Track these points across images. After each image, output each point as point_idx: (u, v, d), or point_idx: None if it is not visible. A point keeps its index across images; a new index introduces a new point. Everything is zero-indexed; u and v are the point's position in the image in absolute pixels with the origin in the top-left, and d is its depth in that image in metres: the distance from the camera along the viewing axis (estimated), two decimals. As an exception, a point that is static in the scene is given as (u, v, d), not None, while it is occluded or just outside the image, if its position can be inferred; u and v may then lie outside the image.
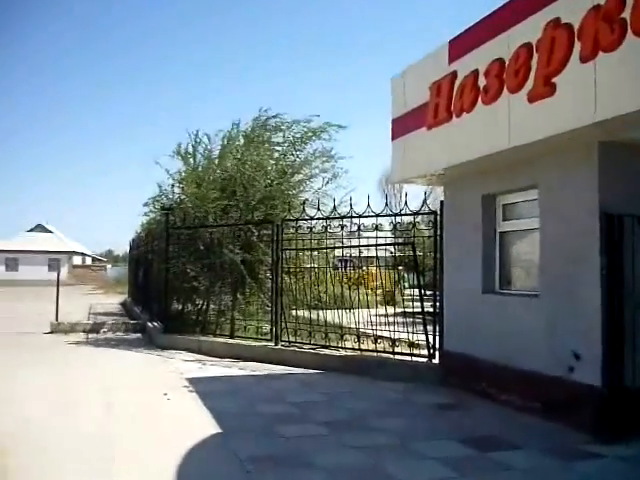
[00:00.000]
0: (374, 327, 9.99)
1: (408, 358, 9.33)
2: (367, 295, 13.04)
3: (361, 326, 10.26)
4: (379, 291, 16.07)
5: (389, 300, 13.20)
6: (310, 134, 13.67)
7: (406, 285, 14.85)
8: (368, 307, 12.49)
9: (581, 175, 6.42)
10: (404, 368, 9.08)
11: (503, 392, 7.38)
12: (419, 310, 9.50)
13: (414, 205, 9.61)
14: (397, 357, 9.46)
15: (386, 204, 9.72)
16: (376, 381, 8.85)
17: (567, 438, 6.07)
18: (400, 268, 13.99)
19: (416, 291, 9.96)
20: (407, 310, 10.33)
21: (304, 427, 6.49)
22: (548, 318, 6.81)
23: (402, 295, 12.48)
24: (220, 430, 6.32)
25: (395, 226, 9.84)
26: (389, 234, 10.09)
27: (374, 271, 11.67)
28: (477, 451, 5.69)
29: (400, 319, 10.05)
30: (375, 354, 9.79)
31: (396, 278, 12.67)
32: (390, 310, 10.31)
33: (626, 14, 5.09)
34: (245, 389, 8.49)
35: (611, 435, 5.94)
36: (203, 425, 6.49)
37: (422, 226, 11.91)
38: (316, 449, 5.72)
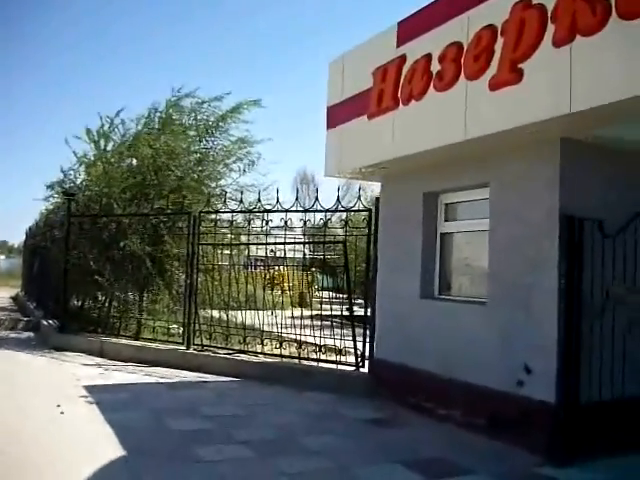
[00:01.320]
0: (298, 331, 9.22)
1: (335, 366, 8.62)
2: (282, 296, 12.26)
3: (282, 329, 9.45)
4: (292, 292, 15.38)
5: (302, 302, 12.57)
6: (227, 114, 12.72)
7: (324, 286, 14.19)
8: (282, 309, 11.72)
9: (541, 174, 5.92)
10: (331, 377, 8.37)
11: (442, 406, 6.79)
12: (338, 313, 8.89)
13: (326, 202, 8.94)
14: (323, 365, 8.73)
15: (316, 199, 8.95)
16: (301, 391, 8.07)
17: (518, 460, 5.53)
18: (313, 269, 13.37)
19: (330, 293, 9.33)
20: (327, 313, 9.63)
21: (224, 448, 5.61)
22: (497, 327, 6.28)
23: (318, 298, 11.84)
24: (123, 452, 5.34)
25: (326, 223, 9.09)
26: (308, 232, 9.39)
27: (291, 271, 10.89)
28: (425, 478, 5.02)
29: (320, 323, 9.32)
30: (298, 361, 9.02)
31: (310, 279, 12.00)
32: (307, 312, 9.62)
33: (611, -6, 4.57)
34: (153, 399, 7.48)
35: (565, 456, 5.44)
36: (102, 445, 5.50)
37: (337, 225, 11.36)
38: (242, 478, 4.88)
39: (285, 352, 9.24)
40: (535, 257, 5.93)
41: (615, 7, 4.54)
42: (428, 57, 6.49)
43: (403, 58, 6.89)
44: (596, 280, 5.66)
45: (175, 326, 10.99)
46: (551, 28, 5.06)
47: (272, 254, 9.81)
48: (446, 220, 7.55)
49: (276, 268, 11.55)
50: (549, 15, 5.09)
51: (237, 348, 9.68)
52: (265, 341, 9.62)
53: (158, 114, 13.13)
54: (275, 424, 6.51)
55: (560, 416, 5.50)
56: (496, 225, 6.45)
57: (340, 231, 10.23)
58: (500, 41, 5.56)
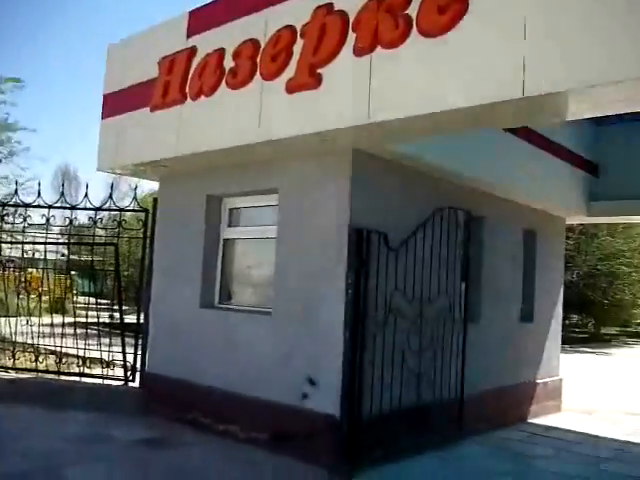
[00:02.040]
0: (57, 341, 8.17)
1: (101, 381, 7.78)
2: (39, 302, 10.93)
3: (39, 340, 8.32)
4: (50, 297, 13.88)
5: (61, 308, 11.37)
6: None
7: (85, 291, 13.01)
8: (40, 316, 10.42)
9: (332, 184, 5.86)
10: (97, 394, 7.51)
11: (222, 422, 6.42)
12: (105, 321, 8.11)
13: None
14: (87, 380, 7.83)
15: (86, 195, 8.03)
16: (62, 411, 7.10)
17: (301, 475, 5.38)
18: (73, 273, 12.19)
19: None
20: (93, 321, 8.71)
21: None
22: (282, 338, 6.09)
23: (82, 303, 10.75)
24: None
25: (95, 222, 8.18)
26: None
27: (51, 274, 9.71)
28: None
29: (85, 331, 8.37)
30: (58, 376, 7.99)
31: (69, 283, 10.89)
32: (69, 319, 8.63)
33: (412, 10, 4.61)
34: None
35: (350, 469, 5.40)
36: None
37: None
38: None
39: (42, 366, 8.14)
40: (322, 268, 5.85)
41: (416, 23, 4.59)
42: (221, 52, 6.10)
43: (193, 50, 6.42)
44: (380, 292, 5.73)
45: None
46: (353, 36, 5.00)
47: (29, 255, 8.63)
48: (230, 225, 7.22)
49: (32, 271, 10.20)
50: (351, 23, 5.02)
51: (-21, 363, 8.32)
52: (18, 354, 8.39)
53: None
54: (37, 452, 5.58)
55: (344, 429, 5.45)
56: (283, 233, 6.28)
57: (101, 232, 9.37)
58: (300, 43, 5.37)
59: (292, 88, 5.41)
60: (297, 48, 5.39)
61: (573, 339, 21.78)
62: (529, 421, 8.18)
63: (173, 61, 6.63)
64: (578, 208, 9.11)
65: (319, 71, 5.21)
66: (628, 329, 30.01)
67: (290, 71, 5.43)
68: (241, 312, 6.73)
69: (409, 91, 4.66)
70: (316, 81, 5.22)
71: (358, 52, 4.95)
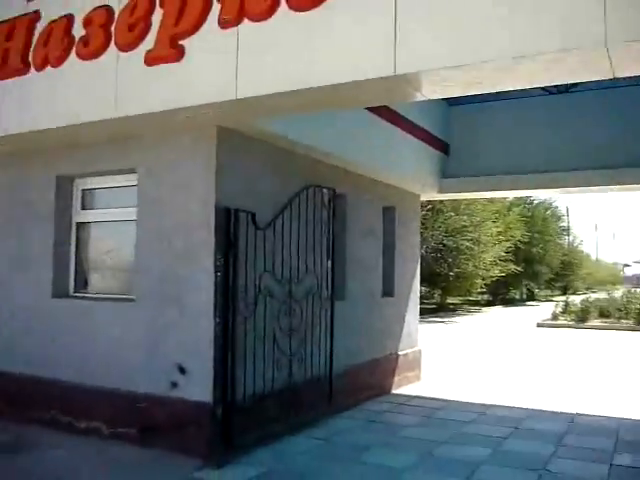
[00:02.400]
0: None
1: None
2: None
3: None
4: None
5: None
6: None
7: None
8: None
9: (196, 162, 5.60)
10: None
11: (84, 419, 6.00)
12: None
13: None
14: None
15: None
16: None
17: (174, 467, 5.15)
18: None
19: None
20: None
21: None
22: (146, 326, 5.78)
23: None
24: None
25: None
26: None
27: None
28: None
29: None
30: None
31: None
32: None
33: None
34: None
35: (224, 456, 5.26)
36: None
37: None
38: None
39: None
40: (189, 250, 5.61)
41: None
42: (69, 18, 5.58)
43: (36, 15, 5.83)
44: (250, 273, 5.60)
45: None
46: (217, 7, 4.75)
47: None
48: (84, 208, 6.71)
49: None
50: (214, -8, 4.77)
51: None
52: None
53: None
54: None
55: (218, 416, 5.28)
56: (144, 215, 5.94)
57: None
58: (159, 12, 5.03)
59: (151, 60, 5.06)
60: (157, 17, 5.05)
61: (423, 310, 22.97)
62: (393, 392, 8.49)
63: (13, 27, 5.98)
64: (432, 185, 9.51)
65: (181, 43, 4.91)
66: (470, 298, 32.34)
67: (149, 42, 5.08)
68: (100, 300, 6.30)
69: (276, 67, 4.51)
70: (178, 53, 4.92)
71: (223, 24, 4.71)
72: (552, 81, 4.73)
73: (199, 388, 5.40)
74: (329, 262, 6.82)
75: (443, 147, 9.68)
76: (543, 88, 9.08)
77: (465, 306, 32.55)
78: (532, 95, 9.15)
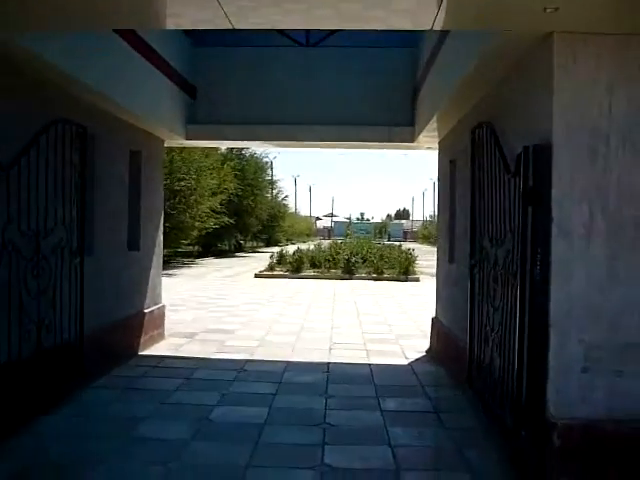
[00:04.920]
0: None
1: None
2: None
3: None
4: None
5: None
6: None
7: None
8: None
9: None
10: None
11: None
12: None
13: None
14: None
15: None
16: None
17: None
18: None
19: None
20: None
21: None
22: None
23: None
24: None
25: None
26: None
27: None
28: None
29: None
30: None
31: None
32: None
33: None
34: None
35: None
36: None
37: None
38: None
39: None
40: None
41: None
42: None
43: None
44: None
45: None
46: None
47: None
48: None
49: None
50: None
51: None
52: None
53: None
54: None
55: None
56: None
57: None
58: None
59: None
60: None
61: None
62: (141, 353, 7.80)
63: None
64: (178, 130, 8.84)
65: None
66: (180, 250, 31.86)
67: None
68: None
69: None
70: None
71: None
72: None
73: None
74: (78, 212, 5.86)
75: (189, 90, 9.03)
76: (294, 39, 9.01)
77: (179, 258, 32.15)
78: (277, 45, 9.00)
